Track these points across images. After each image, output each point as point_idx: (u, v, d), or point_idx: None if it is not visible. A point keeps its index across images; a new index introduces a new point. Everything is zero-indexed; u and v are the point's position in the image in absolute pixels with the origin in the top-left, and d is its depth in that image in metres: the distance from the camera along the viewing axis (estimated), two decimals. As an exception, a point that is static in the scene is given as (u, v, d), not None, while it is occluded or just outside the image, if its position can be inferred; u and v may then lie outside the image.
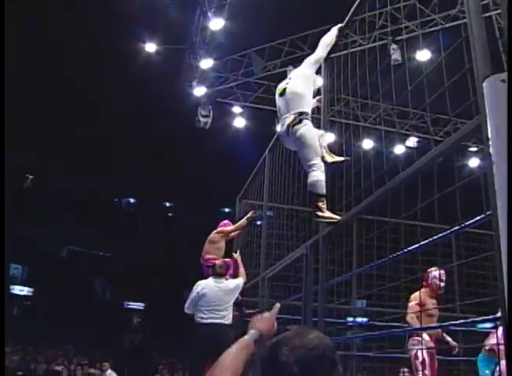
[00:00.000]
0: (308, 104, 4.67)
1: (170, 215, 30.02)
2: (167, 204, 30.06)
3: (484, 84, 2.29)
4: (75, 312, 22.03)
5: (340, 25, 4.93)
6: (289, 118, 4.57)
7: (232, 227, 7.25)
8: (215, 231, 7.03)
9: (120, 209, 28.85)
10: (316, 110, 5.11)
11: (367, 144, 9.89)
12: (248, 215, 7.11)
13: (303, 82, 4.75)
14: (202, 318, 5.77)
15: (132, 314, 27.07)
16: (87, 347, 18.39)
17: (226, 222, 7.37)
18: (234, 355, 1.89)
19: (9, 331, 15.63)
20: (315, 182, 4.37)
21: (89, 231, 23.57)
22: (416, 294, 5.63)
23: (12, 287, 24.85)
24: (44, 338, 19.06)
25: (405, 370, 9.39)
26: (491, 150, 2.24)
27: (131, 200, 29.64)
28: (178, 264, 21.91)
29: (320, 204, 4.35)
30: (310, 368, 1.48)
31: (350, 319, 8.74)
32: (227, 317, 5.85)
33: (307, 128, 4.47)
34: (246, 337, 1.96)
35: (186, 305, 5.95)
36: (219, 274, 6.07)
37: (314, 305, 4.73)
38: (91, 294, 26.31)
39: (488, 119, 2.27)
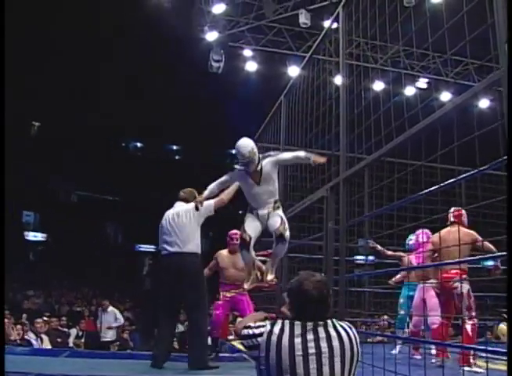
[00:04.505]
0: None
1: (177, 157, 30.16)
2: (174, 147, 30.15)
3: (507, 45, 2.53)
4: (89, 256, 22.58)
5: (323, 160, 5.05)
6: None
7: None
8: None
9: (127, 153, 28.99)
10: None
11: (379, 86, 9.95)
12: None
13: (272, 181, 5.05)
14: (164, 249, 5.35)
15: (144, 256, 27.64)
16: (103, 289, 18.93)
17: (234, 231, 6.73)
18: None
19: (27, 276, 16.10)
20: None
21: (98, 176, 23.78)
22: (471, 231, 5.60)
23: (26, 233, 25.38)
24: (62, 282, 19.67)
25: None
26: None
27: (138, 145, 29.72)
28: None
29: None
30: (321, 291, 2.42)
31: (357, 257, 9.07)
32: (190, 244, 5.28)
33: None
34: None
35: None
36: (182, 199, 5.58)
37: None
38: (104, 238, 26.81)
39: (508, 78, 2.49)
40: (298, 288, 2.47)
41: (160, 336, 5.42)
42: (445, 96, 13.36)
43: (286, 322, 2.43)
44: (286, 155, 5.09)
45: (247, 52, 13.94)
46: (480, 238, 5.49)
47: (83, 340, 11.21)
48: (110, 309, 11.96)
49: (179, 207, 5.49)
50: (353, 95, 4.95)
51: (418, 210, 6.28)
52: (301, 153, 4.97)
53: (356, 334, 2.48)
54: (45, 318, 9.97)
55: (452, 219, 5.83)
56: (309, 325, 2.39)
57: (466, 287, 5.46)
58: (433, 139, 4.10)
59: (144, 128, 23.70)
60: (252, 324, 2.54)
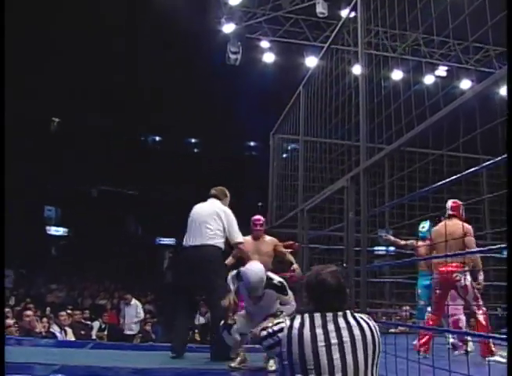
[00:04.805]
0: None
1: (196, 150, 30.18)
2: (193, 140, 30.18)
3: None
4: (110, 250, 22.81)
5: None
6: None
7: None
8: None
9: (146, 147, 29.08)
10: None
11: (398, 75, 9.89)
12: None
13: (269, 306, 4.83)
14: (185, 241, 5.49)
15: (165, 249, 27.77)
16: (125, 282, 19.09)
17: (257, 217, 6.71)
18: None
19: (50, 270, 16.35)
20: None
21: (117, 170, 23.92)
22: (466, 225, 5.48)
23: (48, 228, 25.67)
24: (84, 275, 19.88)
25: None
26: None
27: (157, 138, 29.81)
28: (204, 199, 22.02)
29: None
30: (339, 281, 2.48)
31: (378, 248, 9.03)
32: (210, 238, 5.35)
33: None
34: None
35: None
36: (213, 196, 5.70)
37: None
38: (124, 232, 26.98)
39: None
40: (315, 279, 2.51)
41: (176, 327, 5.50)
42: (466, 84, 13.19)
43: (306, 315, 2.44)
44: (285, 300, 4.86)
45: (264, 44, 13.94)
46: (471, 233, 5.46)
47: (106, 332, 11.36)
48: (133, 302, 12.11)
49: (209, 203, 5.62)
50: (372, 84, 4.92)
51: (440, 200, 6.20)
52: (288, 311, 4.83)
53: (376, 325, 2.49)
54: (69, 311, 10.09)
55: (450, 212, 5.76)
56: (329, 316, 2.40)
57: (468, 278, 5.44)
58: (454, 127, 4.05)
59: (162, 121, 23.74)
60: (270, 324, 2.55)
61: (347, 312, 2.45)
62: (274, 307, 4.84)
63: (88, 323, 11.11)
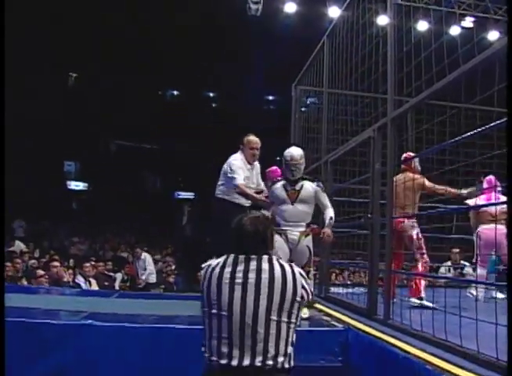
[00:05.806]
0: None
1: (214, 105, 29.94)
2: (211, 95, 29.89)
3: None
4: (130, 204, 22.99)
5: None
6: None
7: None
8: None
9: (164, 102, 28.89)
10: None
11: (424, 26, 9.64)
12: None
13: (308, 204, 5.02)
14: None
15: (183, 203, 27.93)
16: (145, 235, 19.34)
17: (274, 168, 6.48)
18: None
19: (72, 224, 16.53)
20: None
21: (135, 125, 23.87)
22: (418, 176, 5.59)
23: (68, 182, 25.90)
24: (104, 229, 20.16)
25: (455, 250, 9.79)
26: None
27: (175, 92, 29.57)
28: (222, 153, 21.77)
29: None
30: (256, 227, 2.57)
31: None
32: (217, 188, 5.68)
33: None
34: None
35: None
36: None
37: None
38: (143, 186, 27.15)
39: None
40: (236, 224, 2.64)
41: None
42: (494, 35, 12.80)
43: (224, 256, 2.57)
44: (325, 201, 5.07)
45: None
46: (427, 182, 5.60)
47: (128, 284, 11.60)
48: (143, 255, 12.34)
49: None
50: (400, 33, 4.79)
51: (471, 154, 6.07)
52: (331, 214, 5.01)
53: (298, 275, 2.52)
54: (93, 262, 10.29)
55: (402, 166, 5.77)
56: (241, 258, 2.51)
57: (414, 231, 5.63)
58: (487, 79, 3.94)
59: (180, 75, 23.48)
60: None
61: (264, 256, 2.52)
62: (311, 210, 5.05)
63: (111, 274, 11.31)
